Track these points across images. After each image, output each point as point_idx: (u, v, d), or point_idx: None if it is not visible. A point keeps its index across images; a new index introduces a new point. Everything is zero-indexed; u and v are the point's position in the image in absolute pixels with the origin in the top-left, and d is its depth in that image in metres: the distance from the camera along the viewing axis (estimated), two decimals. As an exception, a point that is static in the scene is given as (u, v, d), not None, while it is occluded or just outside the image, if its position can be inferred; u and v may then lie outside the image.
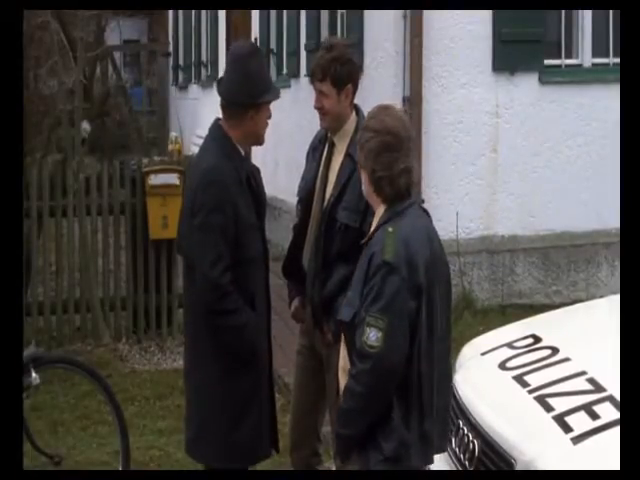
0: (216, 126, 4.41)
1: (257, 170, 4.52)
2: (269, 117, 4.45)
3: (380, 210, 3.72)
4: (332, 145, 4.60)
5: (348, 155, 4.48)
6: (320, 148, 4.67)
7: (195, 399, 4.46)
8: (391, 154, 3.65)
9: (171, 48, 19.28)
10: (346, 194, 4.45)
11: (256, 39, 13.72)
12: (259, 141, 4.47)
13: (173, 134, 15.26)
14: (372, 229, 3.73)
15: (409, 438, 3.65)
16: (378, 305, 3.54)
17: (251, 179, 4.37)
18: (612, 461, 3.51)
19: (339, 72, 4.50)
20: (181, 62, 18.51)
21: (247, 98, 4.33)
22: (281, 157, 12.24)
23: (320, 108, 4.56)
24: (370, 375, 3.57)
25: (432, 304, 3.67)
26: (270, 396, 4.51)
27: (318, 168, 4.62)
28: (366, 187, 3.77)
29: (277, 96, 4.45)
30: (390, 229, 3.61)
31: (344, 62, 4.52)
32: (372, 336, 3.53)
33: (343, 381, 3.77)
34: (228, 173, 4.28)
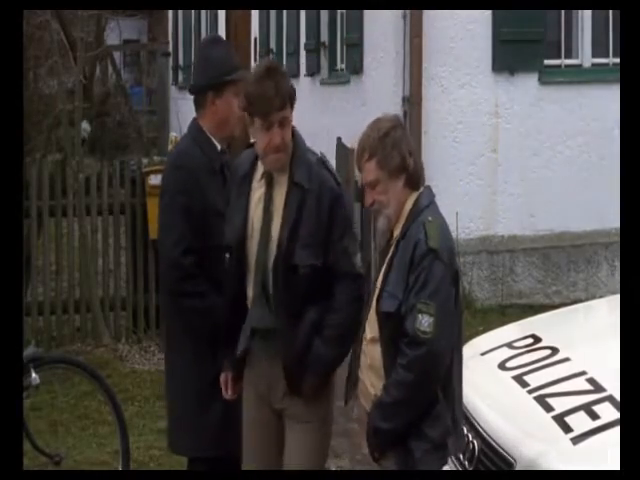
0: (192, 122, 4.50)
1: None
2: (240, 106, 4.41)
3: (408, 202, 3.77)
4: (270, 178, 3.98)
5: (294, 184, 3.91)
6: (245, 184, 4.02)
7: (168, 385, 4.50)
8: (406, 144, 3.82)
9: (171, 48, 19.27)
10: (300, 229, 3.88)
11: (256, 39, 13.74)
12: (230, 129, 4.43)
13: (173, 134, 15.24)
14: (403, 221, 3.76)
15: (450, 425, 3.72)
16: (427, 291, 3.61)
17: (226, 170, 4.38)
18: (612, 461, 3.51)
19: (293, 94, 4.02)
20: (181, 62, 18.51)
21: (205, 80, 4.39)
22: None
23: (280, 145, 3.91)
24: (423, 362, 3.61)
25: (460, 293, 3.80)
26: None
27: (247, 209, 3.98)
28: (394, 186, 3.75)
29: (239, 77, 4.37)
30: (430, 218, 3.72)
31: (290, 84, 4.05)
32: (425, 322, 3.59)
33: (369, 379, 3.79)
34: (197, 160, 4.33)
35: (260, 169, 4.00)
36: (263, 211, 3.95)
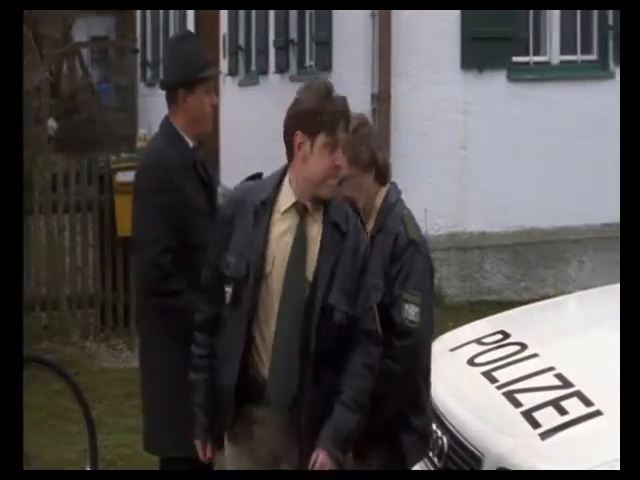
0: (164, 119, 4.46)
1: (207, 161, 4.50)
2: (212, 103, 4.40)
3: (377, 197, 3.80)
4: (303, 211, 3.54)
5: (332, 224, 3.53)
6: (264, 213, 3.53)
7: (146, 385, 4.47)
8: (374, 139, 3.87)
9: (139, 45, 19.19)
10: (338, 274, 3.49)
11: (224, 36, 13.69)
12: (202, 126, 4.41)
13: (142, 131, 15.21)
14: (375, 215, 3.78)
15: (431, 415, 3.77)
16: (411, 282, 3.65)
17: (199, 167, 4.37)
18: (580, 456, 3.53)
19: None
20: (149, 58, 18.43)
21: (175, 77, 4.36)
22: (250, 154, 12.21)
23: (341, 169, 3.56)
24: (411, 352, 3.63)
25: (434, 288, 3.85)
26: None
27: (266, 241, 3.50)
28: (364, 181, 3.77)
29: (211, 74, 4.40)
30: (405, 211, 3.78)
31: None
32: (412, 311, 3.62)
33: None
34: (171, 157, 4.30)
35: (286, 199, 3.52)
36: (293, 247, 3.47)
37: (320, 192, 3.50)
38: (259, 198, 3.53)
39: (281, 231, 3.50)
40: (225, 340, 3.56)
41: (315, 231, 3.51)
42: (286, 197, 3.53)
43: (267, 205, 3.51)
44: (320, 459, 3.39)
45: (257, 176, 3.72)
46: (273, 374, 3.46)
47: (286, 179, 3.55)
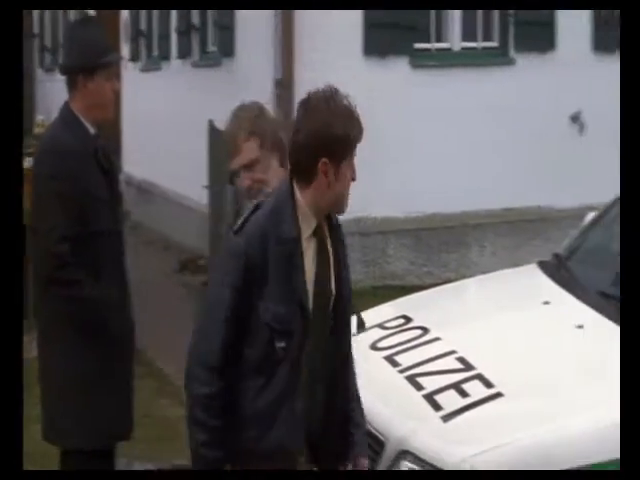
0: (63, 105, 4.40)
1: (108, 147, 4.44)
2: (113, 89, 4.35)
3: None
4: (322, 232, 3.37)
5: (335, 227, 3.43)
6: (297, 250, 3.24)
7: (46, 376, 4.41)
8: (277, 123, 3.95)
9: (37, 29, 18.83)
10: (348, 278, 3.42)
11: (126, 20, 13.50)
12: (103, 113, 4.36)
13: (40, 117, 14.92)
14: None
15: None
16: None
17: (99, 154, 4.30)
18: (481, 438, 3.58)
19: None
20: (48, 43, 18.10)
21: (75, 61, 4.31)
22: (152, 140, 12.08)
23: None
24: None
25: None
26: (127, 376, 4.39)
27: (304, 280, 3.24)
28: (272, 165, 3.83)
29: (112, 60, 4.35)
30: None
31: None
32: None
33: None
34: (68, 143, 4.24)
35: (307, 225, 3.28)
36: (322, 270, 3.29)
37: (343, 209, 3.38)
38: (288, 234, 3.22)
39: (310, 262, 3.27)
40: (273, 395, 3.19)
41: (329, 246, 3.36)
42: (307, 223, 3.28)
43: (296, 242, 3.23)
44: (363, 463, 3.34)
45: (258, 207, 3.32)
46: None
47: (300, 203, 3.27)
